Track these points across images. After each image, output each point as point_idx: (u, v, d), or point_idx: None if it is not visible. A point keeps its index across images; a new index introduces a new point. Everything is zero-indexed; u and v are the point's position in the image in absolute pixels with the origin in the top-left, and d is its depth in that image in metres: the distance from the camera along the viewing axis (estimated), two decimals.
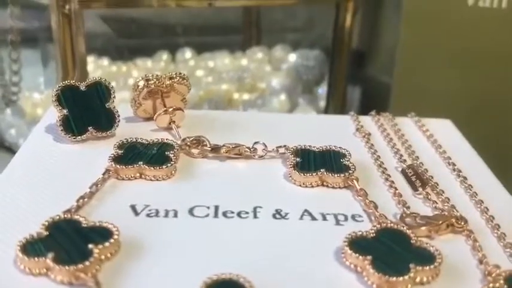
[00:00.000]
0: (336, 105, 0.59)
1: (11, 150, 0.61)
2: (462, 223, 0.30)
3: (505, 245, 0.29)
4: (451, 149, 0.39)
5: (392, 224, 0.29)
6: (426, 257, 0.26)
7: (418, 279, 0.26)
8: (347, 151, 0.36)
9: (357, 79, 0.68)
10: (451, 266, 0.27)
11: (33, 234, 0.27)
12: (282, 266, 0.27)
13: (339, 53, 0.61)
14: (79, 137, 0.37)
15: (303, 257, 0.28)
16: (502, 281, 0.25)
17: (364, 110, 0.67)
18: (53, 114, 0.38)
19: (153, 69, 0.70)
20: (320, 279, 0.26)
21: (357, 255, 0.26)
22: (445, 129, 0.42)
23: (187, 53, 0.73)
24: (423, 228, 0.29)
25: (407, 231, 0.28)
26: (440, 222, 0.30)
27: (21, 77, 0.60)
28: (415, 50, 0.58)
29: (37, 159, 0.35)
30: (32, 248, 0.26)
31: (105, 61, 0.69)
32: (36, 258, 0.25)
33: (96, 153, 0.36)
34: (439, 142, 0.40)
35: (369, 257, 0.26)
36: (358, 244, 0.27)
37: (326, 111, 0.60)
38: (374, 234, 0.28)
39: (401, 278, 0.25)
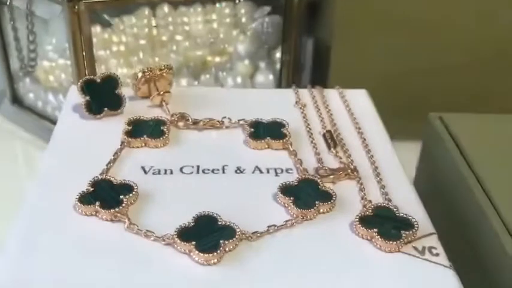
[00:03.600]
0: (289, 69, 0.74)
1: (30, 109, 0.76)
2: (355, 173, 0.47)
3: (381, 186, 0.46)
4: (360, 116, 0.55)
5: (309, 175, 0.46)
6: (327, 196, 0.43)
7: (321, 210, 0.43)
8: (286, 122, 0.52)
9: (311, 35, 0.82)
10: (343, 202, 0.44)
11: (84, 190, 0.43)
12: (240, 205, 0.43)
13: (290, 18, 0.73)
14: (98, 115, 0.52)
15: (253, 198, 0.44)
16: (370, 210, 0.43)
17: (315, 69, 0.82)
18: (73, 97, 0.53)
19: (136, 25, 0.80)
20: (261, 212, 0.43)
21: (285, 196, 0.43)
22: (359, 98, 0.57)
23: (165, 8, 0.82)
24: (331, 177, 0.46)
25: (318, 179, 0.45)
26: (340, 172, 0.46)
27: (37, 46, 0.71)
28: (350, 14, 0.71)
29: (70, 136, 0.50)
30: (84, 199, 0.42)
31: (98, 29, 0.81)
32: (88, 205, 0.42)
33: (111, 127, 0.51)
34: (352, 110, 0.56)
35: (292, 198, 0.43)
36: (286, 189, 0.44)
37: (280, 73, 0.76)
38: (297, 183, 0.45)
39: (310, 210, 0.42)
